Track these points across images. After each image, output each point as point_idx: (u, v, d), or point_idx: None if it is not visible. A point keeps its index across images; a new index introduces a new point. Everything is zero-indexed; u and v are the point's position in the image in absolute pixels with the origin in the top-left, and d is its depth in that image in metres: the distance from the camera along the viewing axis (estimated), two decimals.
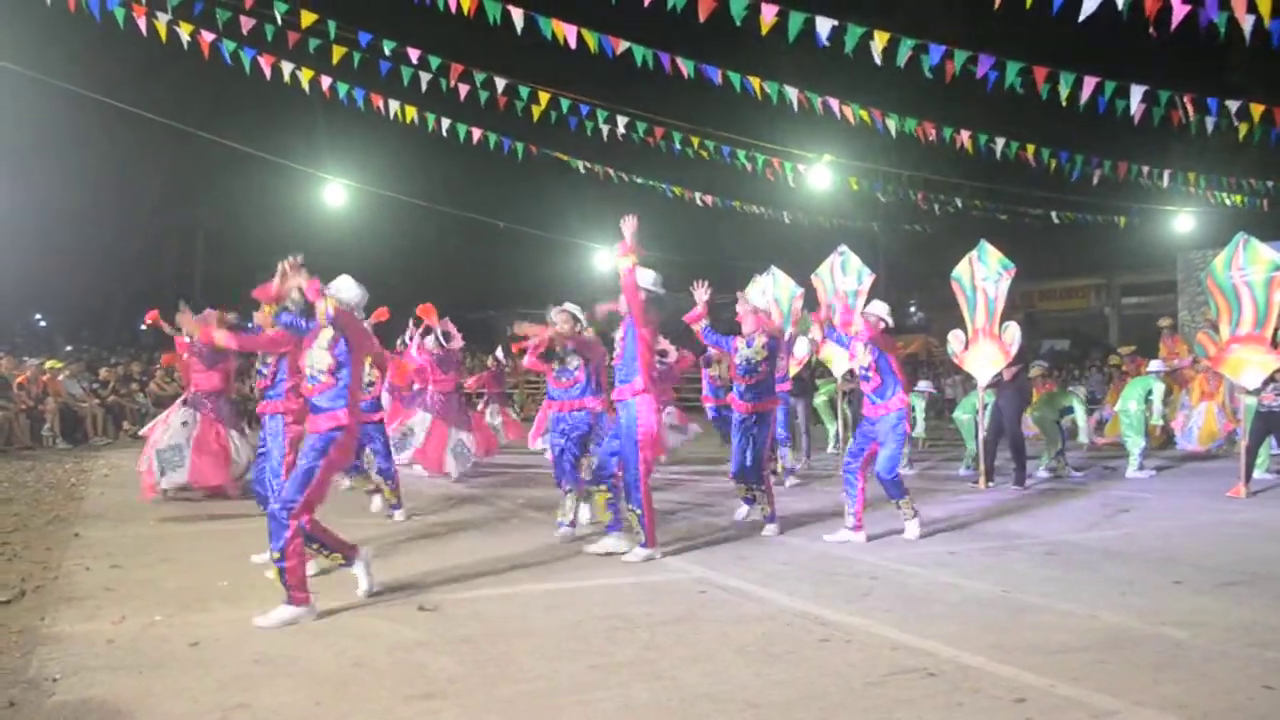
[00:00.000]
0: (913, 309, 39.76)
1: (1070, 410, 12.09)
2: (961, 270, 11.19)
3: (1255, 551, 7.14)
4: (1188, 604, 5.48)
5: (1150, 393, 12.13)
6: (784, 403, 10.69)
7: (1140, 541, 7.51)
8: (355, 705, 3.87)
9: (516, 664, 4.37)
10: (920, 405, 13.12)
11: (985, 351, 10.86)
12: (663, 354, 11.06)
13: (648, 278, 6.87)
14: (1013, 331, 10.70)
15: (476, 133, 13.30)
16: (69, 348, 27.23)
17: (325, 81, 11.56)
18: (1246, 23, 7.41)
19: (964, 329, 11.20)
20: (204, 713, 3.78)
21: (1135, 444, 11.95)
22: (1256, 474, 10.68)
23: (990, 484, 10.80)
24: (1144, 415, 12.07)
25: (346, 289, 5.83)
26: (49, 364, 16.94)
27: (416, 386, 11.96)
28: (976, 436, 11.56)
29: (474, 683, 4.13)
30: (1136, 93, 9.87)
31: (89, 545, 7.20)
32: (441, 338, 11.46)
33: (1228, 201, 18.50)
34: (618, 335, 6.97)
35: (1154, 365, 12.90)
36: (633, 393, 6.69)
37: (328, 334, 5.44)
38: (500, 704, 3.88)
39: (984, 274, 10.90)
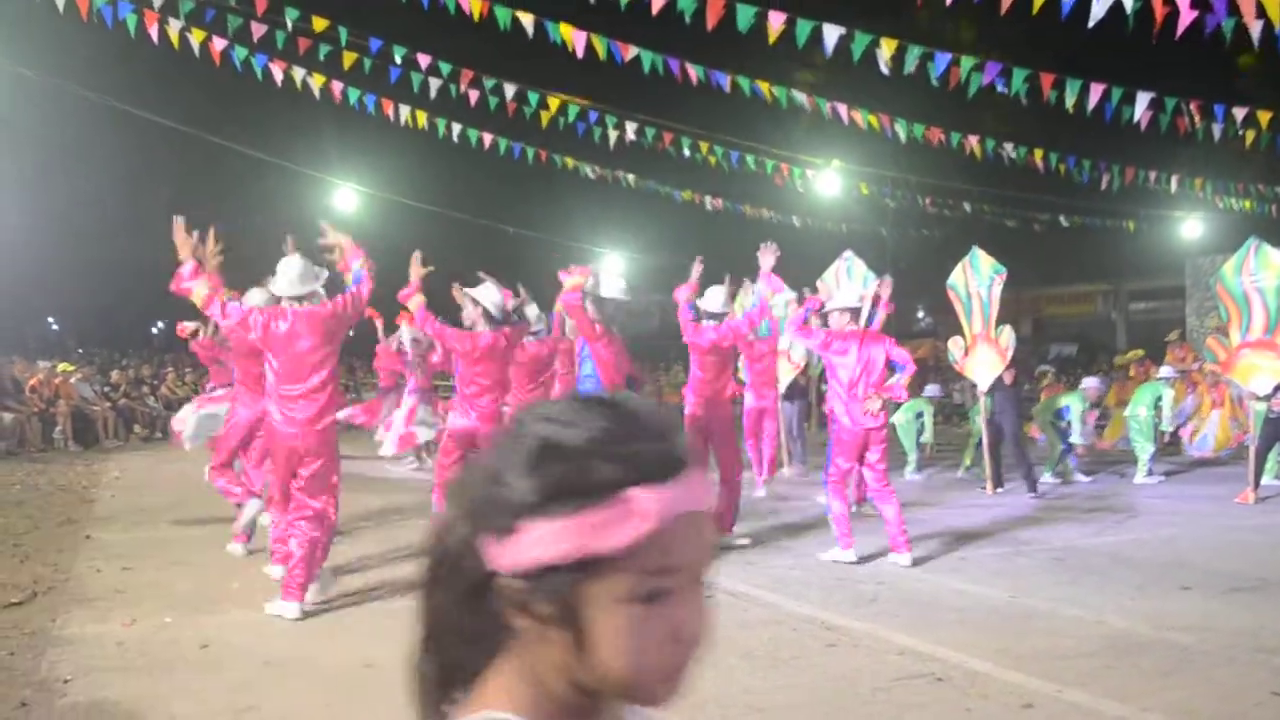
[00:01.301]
0: (921, 314, 39.73)
1: (1066, 411, 12.03)
2: (956, 277, 11.24)
3: (1263, 558, 7.13)
4: (1195, 610, 5.47)
5: (1160, 399, 12.10)
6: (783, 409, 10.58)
7: (1148, 547, 7.50)
8: (366, 707, 3.89)
9: None
10: (929, 411, 13.10)
11: (984, 356, 10.91)
12: None
13: (616, 286, 6.86)
14: (1008, 335, 10.75)
15: (486, 138, 13.35)
16: (80, 351, 27.35)
17: (336, 88, 11.60)
18: (1255, 28, 7.40)
19: (963, 336, 11.25)
20: (214, 714, 3.81)
21: (1144, 450, 11.92)
22: (1265, 480, 10.65)
23: (999, 489, 10.79)
24: (1153, 421, 12.05)
25: (280, 279, 5.78)
26: (61, 367, 17.02)
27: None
28: (981, 440, 11.60)
29: None
30: (1143, 99, 9.86)
31: (100, 547, 7.24)
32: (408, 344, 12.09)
33: (1236, 207, 18.46)
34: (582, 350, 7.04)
35: (1164, 371, 12.88)
36: None
37: None
38: None
39: (977, 280, 10.97)
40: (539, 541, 0.81)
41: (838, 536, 6.88)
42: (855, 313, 7.30)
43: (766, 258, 7.57)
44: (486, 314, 6.96)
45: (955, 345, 11.39)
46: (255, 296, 7.37)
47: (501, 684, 0.86)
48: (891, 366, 7.24)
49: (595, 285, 6.87)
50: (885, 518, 6.91)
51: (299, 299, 5.61)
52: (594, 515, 0.80)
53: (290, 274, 5.68)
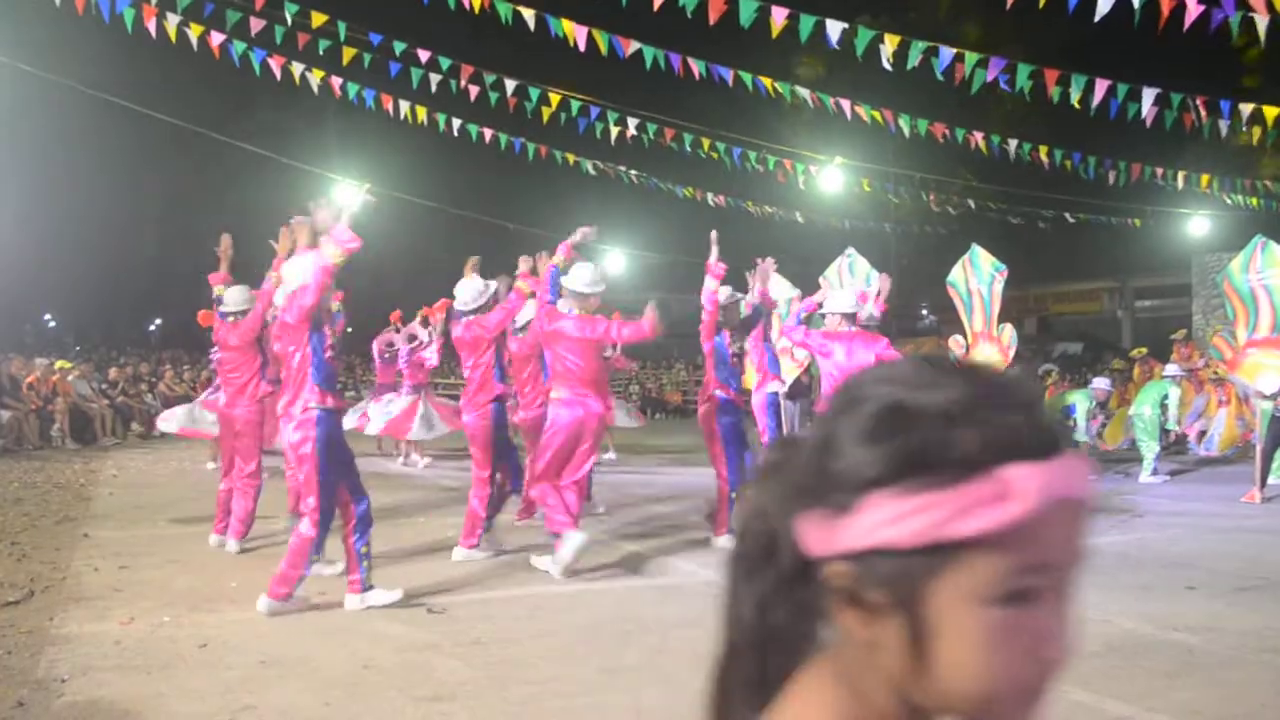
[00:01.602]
0: (924, 311, 39.72)
1: (1071, 410, 11.98)
2: (955, 275, 11.10)
3: (1269, 557, 7.09)
4: (1201, 609, 5.43)
5: (1166, 397, 12.05)
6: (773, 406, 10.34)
7: (1153, 547, 7.46)
8: (365, 706, 3.85)
9: (526, 666, 4.36)
10: None
11: (986, 355, 10.81)
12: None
13: (581, 278, 6.46)
14: (1009, 333, 10.61)
15: (487, 133, 13.31)
16: (78, 348, 27.33)
17: (336, 83, 11.57)
18: (1261, 24, 7.36)
19: (963, 334, 11.16)
20: (212, 713, 3.77)
21: (1149, 449, 11.88)
22: (1271, 479, 10.59)
23: None
24: (1159, 420, 12.00)
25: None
26: (58, 364, 16.97)
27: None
28: None
29: (484, 684, 4.11)
30: (1148, 96, 9.82)
31: (97, 546, 7.20)
32: (413, 338, 12.53)
33: (1243, 204, 18.41)
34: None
35: (1170, 370, 12.84)
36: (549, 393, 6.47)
37: None
38: (510, 706, 3.86)
39: (978, 278, 10.86)
40: (884, 521, 0.67)
41: None
42: (850, 317, 7.21)
43: (712, 248, 7.31)
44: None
45: (956, 344, 11.28)
46: (235, 295, 7.31)
47: (814, 698, 0.74)
48: None
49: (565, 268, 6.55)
50: None
51: None
52: (956, 492, 0.66)
53: (291, 275, 5.67)
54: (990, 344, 10.73)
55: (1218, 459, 13.33)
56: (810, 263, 12.52)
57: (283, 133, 24.64)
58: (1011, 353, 10.60)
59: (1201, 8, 7.27)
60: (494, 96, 11.72)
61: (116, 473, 12.17)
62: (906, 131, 12.53)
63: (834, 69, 18.23)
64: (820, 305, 7.42)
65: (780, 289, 12.04)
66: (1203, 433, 13.19)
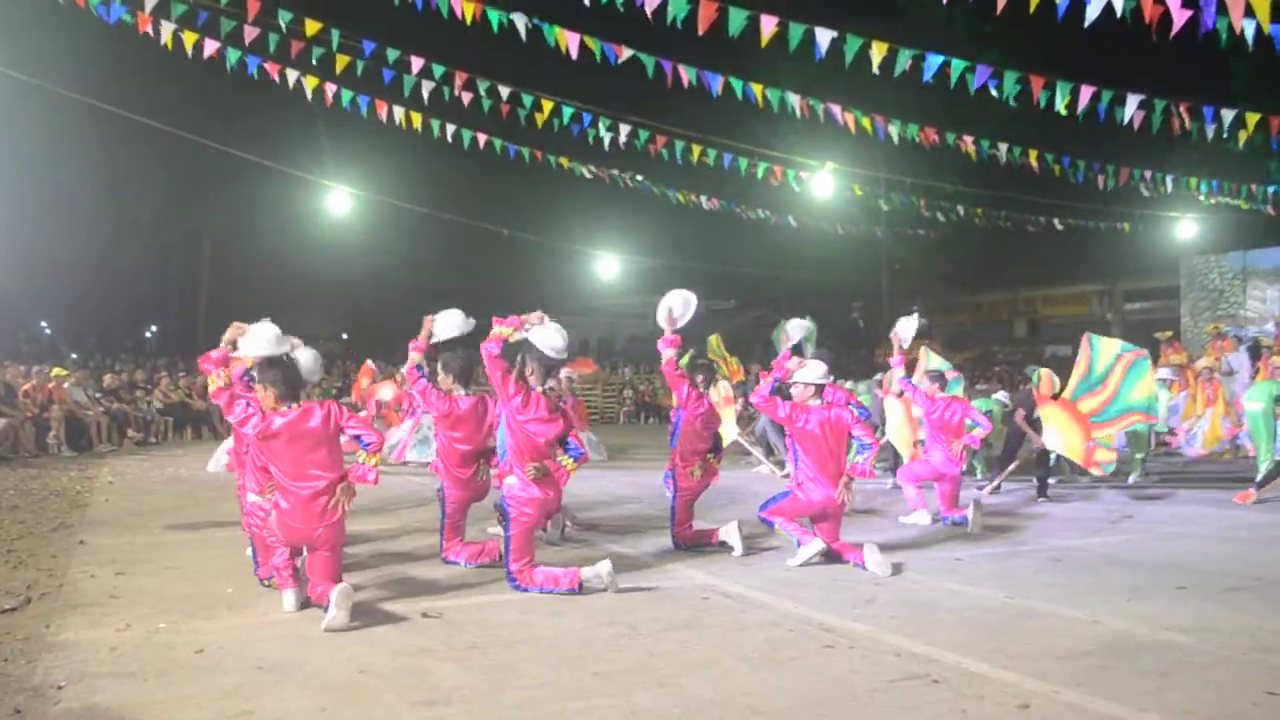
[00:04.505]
0: (915, 314, 39.80)
1: None
2: (1105, 347, 9.96)
3: (1260, 557, 7.14)
4: (1191, 610, 5.48)
5: (1156, 399, 12.09)
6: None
7: (1144, 548, 7.51)
8: (360, 712, 3.88)
9: (521, 671, 4.38)
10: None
11: (1066, 428, 9.86)
12: None
13: (549, 342, 6.02)
14: (1106, 458, 9.73)
15: (481, 140, 13.35)
16: (74, 355, 27.27)
17: (329, 90, 11.60)
18: (1247, 28, 7.42)
19: (1063, 384, 10.26)
20: None
21: (1139, 450, 11.92)
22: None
23: (997, 491, 10.77)
24: (1149, 422, 12.04)
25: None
26: (54, 371, 16.96)
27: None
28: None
29: (479, 689, 4.13)
30: (1132, 102, 9.90)
31: (94, 552, 7.21)
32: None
33: (1231, 205, 18.51)
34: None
35: (1162, 373, 12.88)
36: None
37: None
38: (505, 711, 3.88)
39: (1126, 384, 9.68)
40: None
41: (796, 542, 6.77)
42: (820, 389, 7.00)
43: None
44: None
45: (1047, 380, 10.47)
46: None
47: None
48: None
49: (527, 334, 6.04)
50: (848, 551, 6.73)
51: None
52: None
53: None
54: (1078, 430, 9.78)
55: (1207, 459, 13.39)
56: (802, 265, 12.53)
57: (277, 139, 24.62)
58: (1094, 470, 9.91)
59: (1188, 13, 7.33)
60: (487, 103, 11.77)
61: (112, 479, 12.17)
62: (896, 137, 12.60)
63: (823, 75, 18.31)
64: (790, 374, 7.05)
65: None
66: (1186, 430, 13.25)
